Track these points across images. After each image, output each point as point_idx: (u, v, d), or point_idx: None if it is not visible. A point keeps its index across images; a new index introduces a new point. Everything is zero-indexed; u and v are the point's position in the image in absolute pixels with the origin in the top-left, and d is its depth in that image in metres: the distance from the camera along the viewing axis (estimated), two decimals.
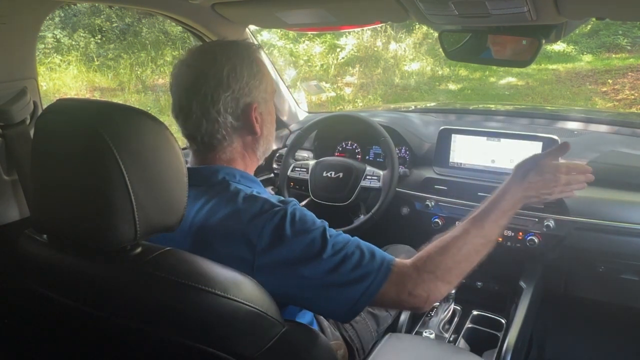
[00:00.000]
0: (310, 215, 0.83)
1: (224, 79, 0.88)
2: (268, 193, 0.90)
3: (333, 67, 7.74)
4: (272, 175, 2.01)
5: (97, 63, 6.81)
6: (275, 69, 2.06)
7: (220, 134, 0.91)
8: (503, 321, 1.53)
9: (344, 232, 1.66)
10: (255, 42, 1.00)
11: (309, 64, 7.77)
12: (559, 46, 8.32)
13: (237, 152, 0.94)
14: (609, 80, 7.12)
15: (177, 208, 0.71)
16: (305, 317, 1.01)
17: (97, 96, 6.30)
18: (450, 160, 1.67)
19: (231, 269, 0.72)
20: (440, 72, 7.99)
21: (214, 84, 0.88)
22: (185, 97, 0.89)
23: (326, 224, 0.84)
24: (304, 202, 1.71)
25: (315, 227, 0.81)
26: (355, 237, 0.85)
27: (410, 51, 8.21)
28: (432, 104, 3.91)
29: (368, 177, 1.65)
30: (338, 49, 7.85)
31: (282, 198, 0.85)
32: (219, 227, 0.81)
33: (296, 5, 1.34)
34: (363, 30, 7.72)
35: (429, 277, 0.85)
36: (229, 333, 0.68)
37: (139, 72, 6.90)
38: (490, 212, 0.94)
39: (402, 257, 1.64)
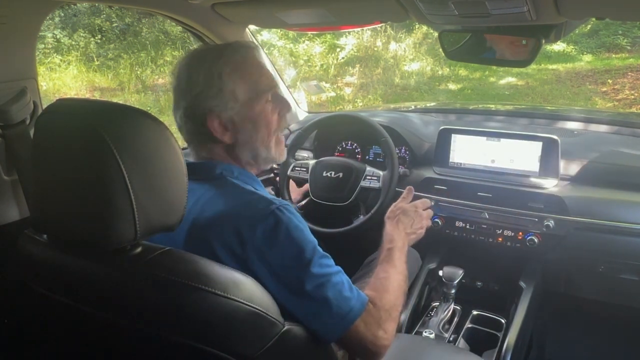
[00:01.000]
0: (305, 226, 0.83)
1: (182, 88, 0.92)
2: (266, 191, 0.91)
3: (333, 67, 7.74)
4: (272, 175, 2.01)
5: (97, 63, 6.81)
6: (275, 69, 2.06)
7: (188, 137, 0.96)
8: (503, 321, 1.53)
9: (344, 232, 1.66)
10: (253, 43, 0.99)
11: (309, 64, 7.76)
12: (559, 46, 8.32)
13: (220, 156, 0.95)
14: (609, 80, 7.12)
15: (177, 208, 0.71)
16: None
17: (97, 96, 6.30)
18: (450, 160, 1.67)
19: (231, 268, 0.72)
20: (440, 72, 7.98)
21: (177, 92, 0.93)
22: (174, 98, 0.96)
23: (316, 241, 0.84)
24: (303, 202, 1.71)
25: (309, 240, 0.81)
26: (338, 266, 0.86)
27: (410, 51, 8.21)
28: (432, 104, 3.91)
29: (368, 177, 1.65)
30: (338, 49, 7.85)
31: (278, 198, 0.85)
32: (213, 220, 0.82)
33: (296, 5, 1.34)
34: (363, 30, 7.71)
35: (386, 316, 0.89)
36: (228, 333, 0.68)
37: (139, 72, 6.89)
38: (393, 254, 1.07)
39: None
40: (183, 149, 0.79)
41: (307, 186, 1.64)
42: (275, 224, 0.78)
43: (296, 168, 1.76)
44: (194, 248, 0.74)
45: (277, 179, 1.84)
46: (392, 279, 0.98)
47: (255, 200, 0.83)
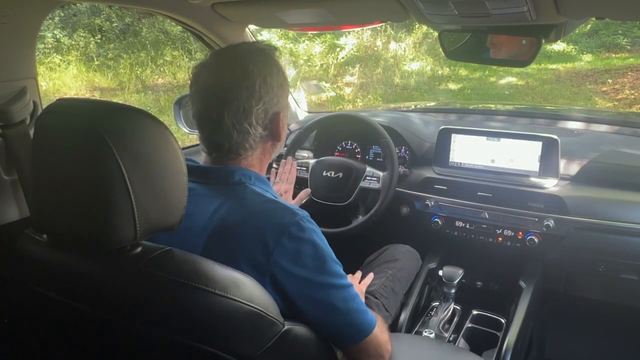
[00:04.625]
0: (323, 236, 0.87)
1: (256, 91, 0.88)
2: (280, 197, 0.93)
3: (333, 66, 7.73)
4: (272, 171, 2.01)
5: (97, 63, 6.80)
6: None
7: (249, 143, 0.91)
8: (503, 321, 1.53)
9: (343, 232, 1.66)
10: (274, 46, 0.98)
11: (309, 63, 7.76)
12: (559, 46, 8.32)
13: (257, 158, 0.95)
14: (608, 80, 7.12)
15: (177, 207, 0.71)
16: None
17: (97, 96, 6.29)
18: (450, 159, 1.67)
19: (231, 268, 0.72)
20: (440, 72, 7.98)
21: (247, 95, 0.87)
22: (216, 107, 0.88)
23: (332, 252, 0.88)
24: (303, 201, 1.71)
25: (329, 251, 0.85)
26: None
27: (410, 51, 8.21)
28: (432, 103, 3.91)
29: (367, 177, 1.65)
30: (338, 49, 7.84)
31: (299, 208, 0.87)
32: (237, 228, 0.82)
33: (296, 5, 1.34)
34: (363, 30, 7.71)
35: (385, 326, 0.99)
36: (228, 332, 0.68)
37: (138, 72, 6.89)
38: None
39: (402, 257, 1.63)
40: (183, 148, 0.79)
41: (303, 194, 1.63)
42: (300, 236, 0.81)
43: (296, 167, 1.76)
44: (213, 256, 0.74)
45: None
46: None
47: (280, 210, 0.83)
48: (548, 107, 4.30)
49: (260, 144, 0.93)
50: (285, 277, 0.79)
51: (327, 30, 5.54)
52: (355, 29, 7.21)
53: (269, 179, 1.97)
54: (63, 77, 6.38)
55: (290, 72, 6.92)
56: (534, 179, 1.54)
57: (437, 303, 1.59)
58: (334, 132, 1.97)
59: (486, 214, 1.56)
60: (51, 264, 0.76)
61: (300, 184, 1.76)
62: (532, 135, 1.54)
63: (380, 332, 0.91)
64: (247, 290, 0.70)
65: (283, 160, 1.64)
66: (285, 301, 0.80)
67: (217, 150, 0.92)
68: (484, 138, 1.61)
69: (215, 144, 0.91)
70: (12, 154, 1.16)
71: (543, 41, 1.22)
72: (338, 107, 6.59)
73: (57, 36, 6.70)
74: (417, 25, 8.02)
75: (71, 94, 6.11)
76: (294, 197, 1.60)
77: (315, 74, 7.51)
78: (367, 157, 1.95)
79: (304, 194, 1.63)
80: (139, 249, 0.70)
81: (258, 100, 0.88)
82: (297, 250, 0.80)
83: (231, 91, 0.87)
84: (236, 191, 0.88)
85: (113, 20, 7.36)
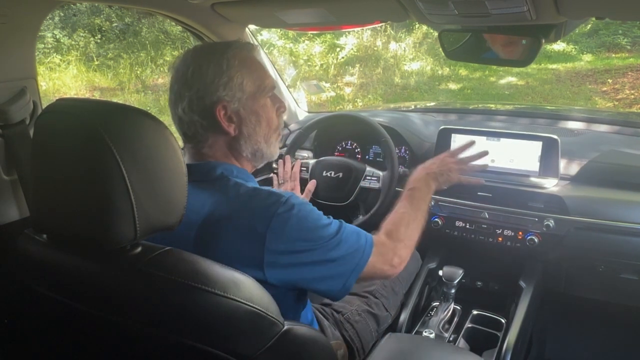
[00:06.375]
0: (311, 205, 0.88)
1: (187, 79, 0.91)
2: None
3: (333, 66, 7.73)
4: (272, 175, 2.01)
5: (96, 63, 6.81)
6: (275, 68, 2.06)
7: (190, 131, 0.93)
8: (503, 321, 1.53)
9: None
10: (252, 42, 1.00)
11: (309, 63, 7.76)
12: (559, 46, 8.32)
13: (220, 152, 0.95)
14: (608, 80, 7.12)
15: (177, 207, 0.71)
16: (306, 317, 1.01)
17: (97, 96, 6.29)
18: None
19: (231, 268, 0.72)
20: (440, 72, 7.98)
21: (181, 83, 0.92)
22: (169, 100, 0.95)
23: (322, 213, 0.90)
24: (312, 193, 1.71)
25: (319, 218, 0.87)
26: (341, 220, 0.92)
27: (410, 51, 8.21)
28: (432, 103, 3.91)
29: (367, 177, 1.65)
30: (338, 49, 7.84)
31: (280, 190, 0.88)
32: (224, 221, 0.82)
33: (296, 4, 1.34)
34: (363, 29, 7.72)
35: (400, 245, 1.00)
36: (228, 332, 0.68)
37: (138, 72, 6.89)
38: (414, 194, 1.15)
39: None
40: (183, 148, 0.79)
41: (310, 185, 1.66)
42: (288, 215, 0.82)
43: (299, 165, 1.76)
44: (204, 250, 0.74)
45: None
46: (408, 213, 1.07)
47: (264, 195, 0.85)
48: (548, 107, 4.30)
49: (212, 134, 0.93)
50: (277, 258, 0.81)
51: (327, 30, 5.55)
52: (355, 29, 7.21)
53: (270, 180, 1.98)
54: (63, 77, 6.38)
55: (290, 72, 6.92)
56: (534, 179, 1.54)
57: (437, 303, 1.59)
58: (334, 132, 1.97)
59: (486, 214, 1.56)
60: (51, 264, 0.76)
61: (300, 184, 1.76)
62: (532, 135, 1.54)
63: (381, 252, 0.93)
64: (247, 290, 0.70)
65: (280, 161, 1.65)
66: (282, 278, 0.82)
67: (183, 138, 0.96)
68: (484, 138, 1.61)
69: (178, 133, 0.96)
70: (12, 154, 1.16)
71: (543, 41, 1.22)
72: (338, 107, 6.59)
73: (57, 36, 6.70)
74: (417, 25, 8.02)
75: (71, 94, 6.11)
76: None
77: (315, 74, 7.51)
78: (367, 157, 1.94)
79: (312, 185, 1.66)
80: (139, 248, 0.70)
81: (190, 87, 0.90)
82: (288, 229, 0.82)
83: (171, 80, 0.94)
84: (220, 185, 0.89)
85: (113, 20, 7.36)
